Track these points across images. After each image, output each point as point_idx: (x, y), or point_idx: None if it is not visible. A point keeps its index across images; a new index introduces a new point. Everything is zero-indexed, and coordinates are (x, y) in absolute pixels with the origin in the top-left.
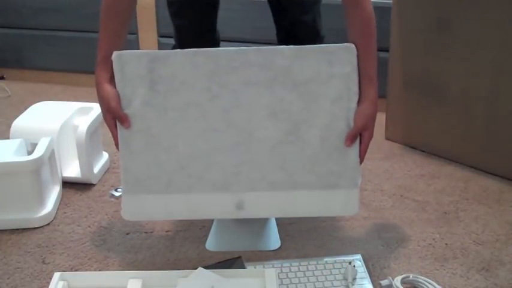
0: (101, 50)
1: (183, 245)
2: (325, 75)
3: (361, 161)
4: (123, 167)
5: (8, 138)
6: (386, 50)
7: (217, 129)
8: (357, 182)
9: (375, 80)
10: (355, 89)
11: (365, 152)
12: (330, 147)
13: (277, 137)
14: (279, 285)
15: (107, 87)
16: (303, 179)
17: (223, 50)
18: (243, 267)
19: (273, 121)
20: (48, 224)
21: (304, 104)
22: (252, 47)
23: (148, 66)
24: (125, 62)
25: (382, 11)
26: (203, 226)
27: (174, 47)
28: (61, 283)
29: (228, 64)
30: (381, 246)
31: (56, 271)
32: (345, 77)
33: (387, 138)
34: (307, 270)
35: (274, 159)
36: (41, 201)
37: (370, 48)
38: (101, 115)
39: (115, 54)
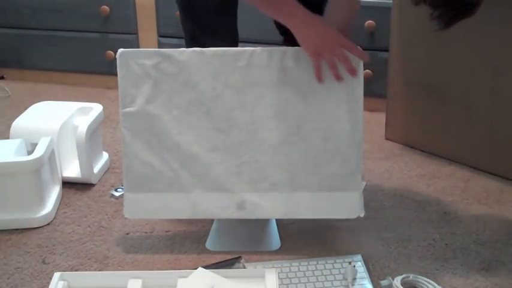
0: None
1: (183, 245)
2: (330, 76)
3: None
4: (126, 164)
5: (8, 138)
6: (386, 50)
7: (221, 129)
8: (359, 184)
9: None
10: (360, 91)
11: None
12: (333, 149)
13: (281, 138)
14: (279, 285)
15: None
16: (305, 180)
17: (229, 49)
18: (243, 267)
19: (277, 122)
20: (48, 224)
21: (308, 106)
22: (258, 48)
23: (153, 64)
24: (130, 60)
25: (382, 11)
26: (203, 226)
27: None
28: (61, 283)
29: (233, 64)
30: (381, 246)
31: (56, 271)
32: (349, 79)
33: (387, 138)
34: (307, 270)
35: (277, 160)
36: (41, 201)
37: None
38: (101, 115)
39: (120, 51)
